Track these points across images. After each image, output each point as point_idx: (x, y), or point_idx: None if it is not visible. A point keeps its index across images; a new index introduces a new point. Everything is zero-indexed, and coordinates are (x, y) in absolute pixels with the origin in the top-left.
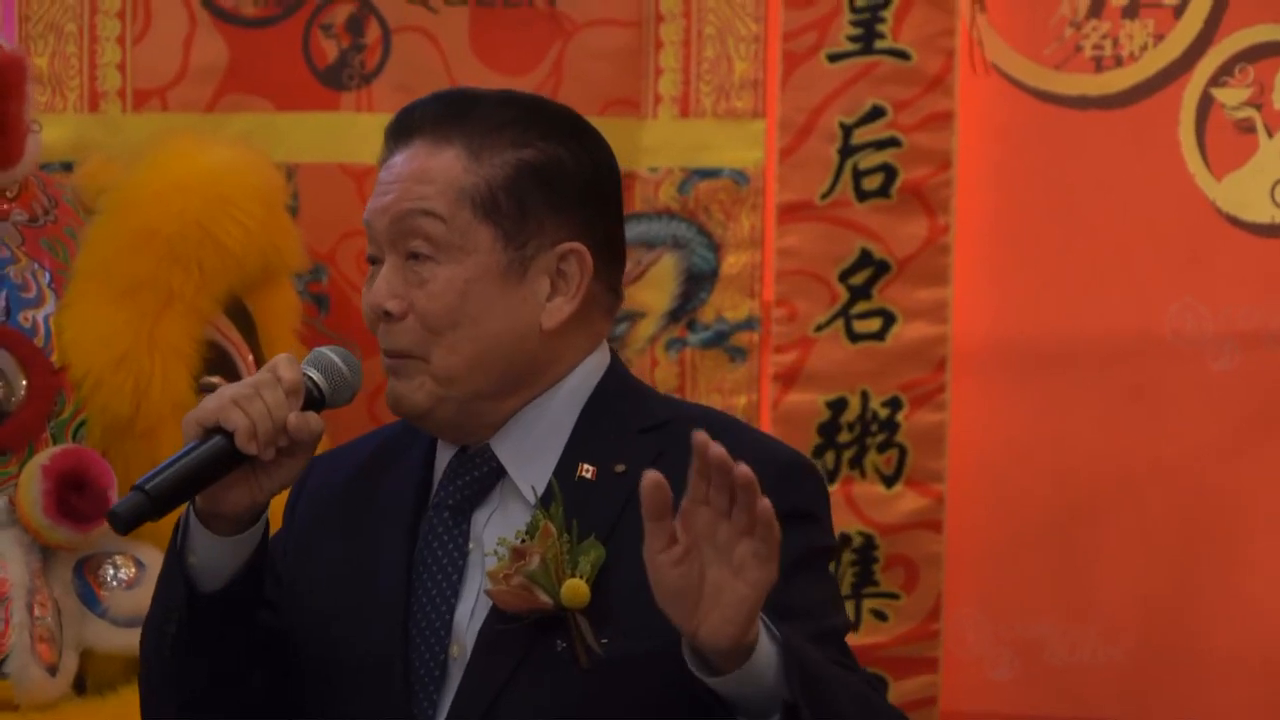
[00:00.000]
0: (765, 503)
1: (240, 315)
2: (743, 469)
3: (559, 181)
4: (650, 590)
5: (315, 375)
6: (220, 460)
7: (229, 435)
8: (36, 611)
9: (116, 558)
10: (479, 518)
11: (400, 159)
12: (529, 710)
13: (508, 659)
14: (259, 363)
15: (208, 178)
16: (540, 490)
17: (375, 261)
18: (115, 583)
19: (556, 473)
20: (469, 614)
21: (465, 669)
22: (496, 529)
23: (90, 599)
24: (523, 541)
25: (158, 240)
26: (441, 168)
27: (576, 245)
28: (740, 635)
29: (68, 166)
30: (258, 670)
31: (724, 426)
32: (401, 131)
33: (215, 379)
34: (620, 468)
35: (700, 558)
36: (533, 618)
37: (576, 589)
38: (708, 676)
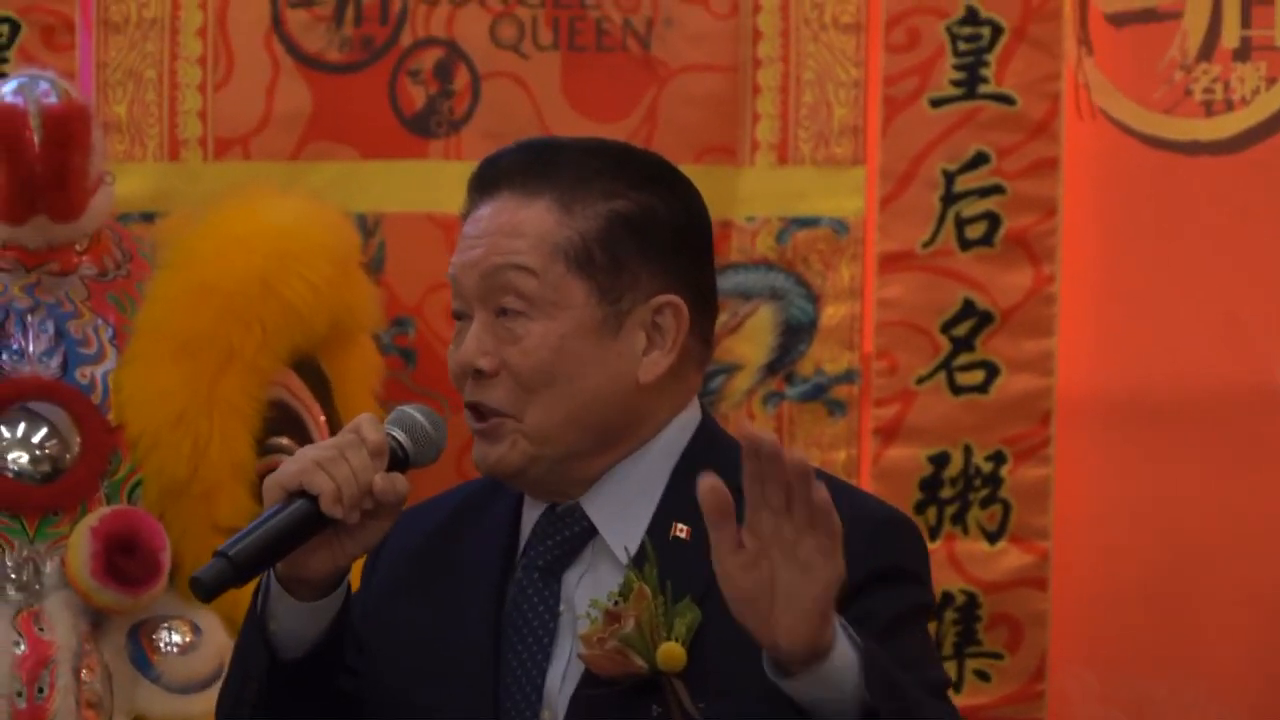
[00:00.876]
0: (822, 490)
1: (314, 374)
2: (793, 454)
3: (651, 232)
4: (748, 651)
5: (399, 435)
6: (304, 524)
7: (313, 499)
8: (84, 676)
9: (173, 622)
10: (570, 578)
11: (487, 211)
12: None
13: None
14: (332, 423)
15: (272, 233)
16: (633, 550)
17: (462, 317)
18: (170, 647)
19: (649, 532)
20: (560, 679)
21: None
22: (588, 590)
23: (143, 663)
24: (615, 604)
25: (218, 297)
26: (533, 221)
27: (672, 298)
28: (815, 635)
29: (149, 217)
30: None
31: (821, 483)
32: (486, 183)
33: (284, 439)
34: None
35: (769, 562)
36: (627, 682)
37: (672, 652)
38: (785, 679)
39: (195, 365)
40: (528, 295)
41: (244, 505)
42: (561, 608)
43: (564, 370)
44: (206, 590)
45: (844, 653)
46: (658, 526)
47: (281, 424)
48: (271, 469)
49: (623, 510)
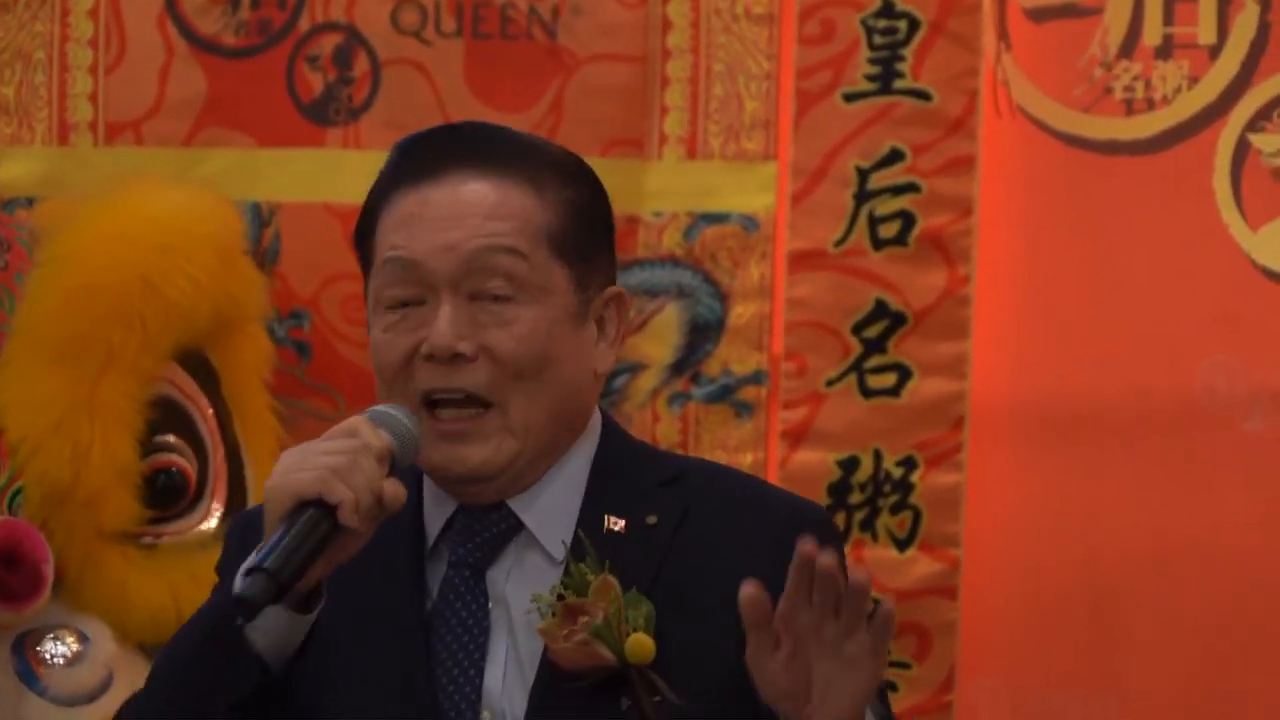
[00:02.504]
0: (886, 604)
1: (200, 367)
2: (858, 578)
3: (599, 223)
4: (700, 645)
5: (391, 436)
6: (325, 535)
7: (329, 508)
8: None
9: (59, 631)
10: (495, 576)
11: (444, 194)
12: None
13: None
14: (220, 416)
15: (153, 227)
16: (563, 545)
17: (408, 304)
18: (57, 659)
19: (581, 526)
20: (500, 677)
21: None
22: (519, 587)
23: (29, 677)
24: (561, 598)
25: (97, 296)
26: (513, 203)
27: (619, 289)
28: (856, 714)
29: (35, 203)
30: None
31: (737, 481)
32: (431, 164)
33: (170, 437)
34: (652, 519)
35: (806, 654)
36: (594, 676)
37: (641, 643)
38: None
39: (75, 369)
40: (517, 279)
41: (128, 509)
42: (492, 605)
43: (553, 357)
44: (252, 609)
45: None
46: (588, 521)
47: (168, 421)
48: (159, 469)
49: (550, 507)
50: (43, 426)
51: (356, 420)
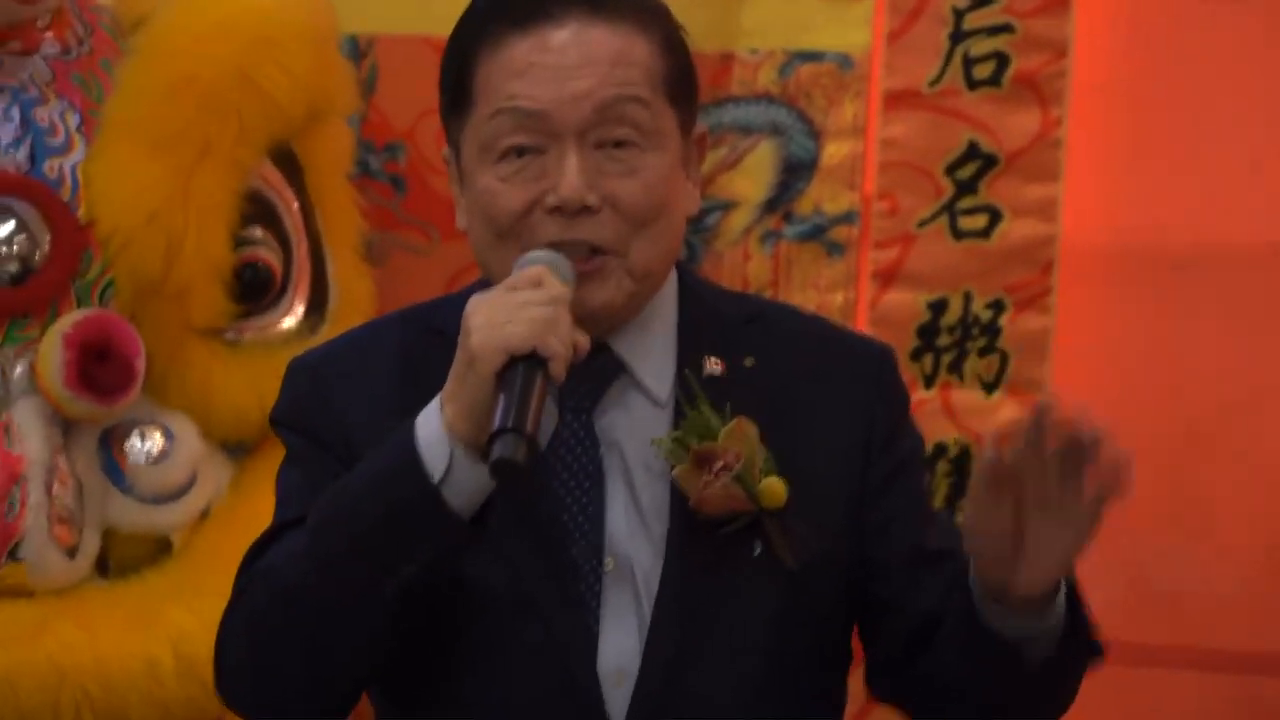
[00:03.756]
0: (1125, 455)
1: (286, 160)
2: (1093, 431)
3: (690, 68)
4: (813, 485)
5: (559, 273)
6: (543, 389)
7: (543, 362)
8: (55, 490)
9: (145, 428)
10: (603, 421)
11: (567, 38)
12: (735, 623)
13: (707, 569)
14: (304, 208)
15: (250, 17)
16: (668, 388)
17: (525, 152)
18: (143, 456)
19: (682, 366)
20: (623, 524)
21: (660, 583)
22: (626, 431)
23: (115, 474)
24: (691, 444)
25: (194, 88)
26: (638, 51)
27: (704, 128)
28: (1053, 586)
29: None
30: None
31: (808, 321)
32: (544, 7)
33: (258, 230)
34: (750, 361)
35: (1037, 512)
36: (732, 523)
37: (774, 488)
38: (1007, 619)
39: (170, 160)
40: (643, 127)
41: (218, 304)
42: (603, 450)
43: (669, 203)
44: (514, 473)
45: (1059, 600)
46: (687, 362)
47: (256, 215)
48: (246, 263)
49: (649, 348)
50: (136, 218)
51: (538, 269)
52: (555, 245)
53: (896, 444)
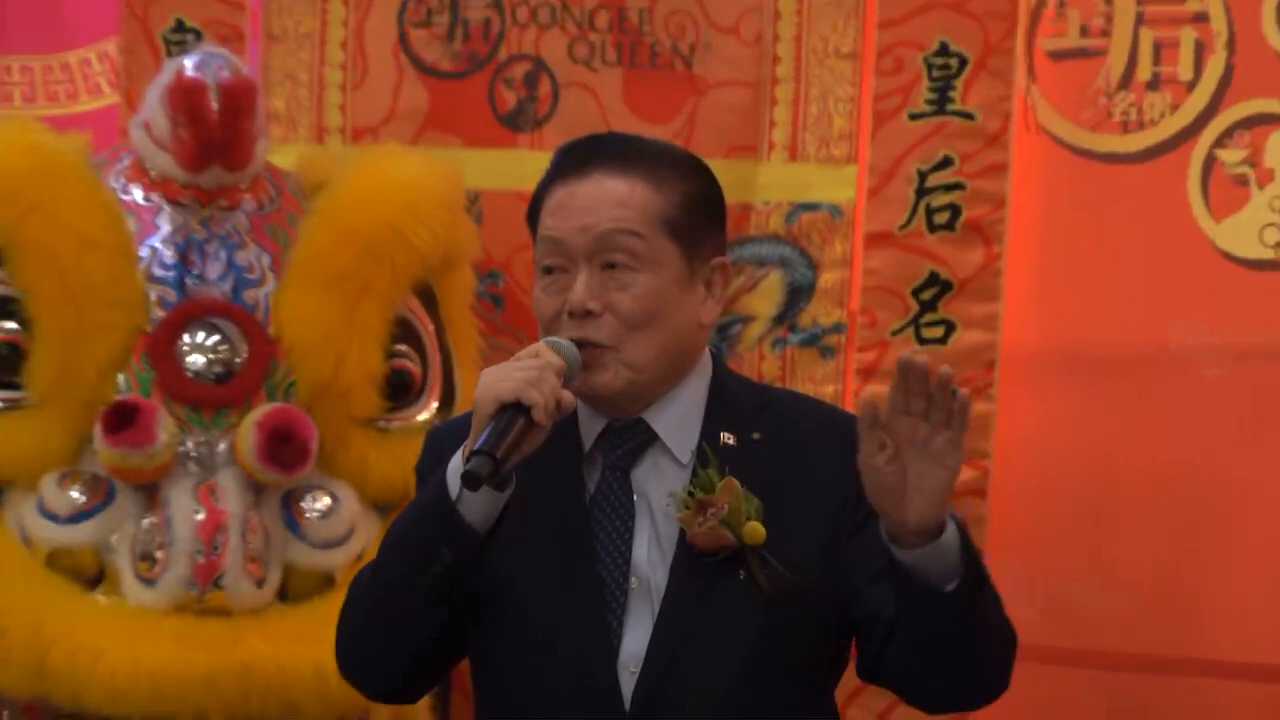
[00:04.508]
0: (963, 392)
1: (426, 295)
2: (944, 369)
3: (711, 207)
4: (796, 530)
5: (564, 357)
6: (522, 429)
7: (526, 409)
8: (248, 537)
9: (316, 492)
10: (637, 475)
11: (586, 187)
12: (722, 630)
13: (700, 588)
14: (439, 333)
15: (401, 186)
16: (692, 453)
17: (554, 271)
18: (315, 513)
19: (704, 438)
20: (646, 552)
21: (662, 601)
22: (655, 485)
23: (293, 525)
24: (692, 494)
25: (358, 240)
26: (636, 195)
27: (724, 259)
28: (940, 513)
29: None
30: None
31: (810, 405)
32: (579, 164)
33: (403, 347)
34: (757, 435)
35: (904, 457)
36: (720, 554)
37: (756, 529)
38: (908, 550)
39: (339, 294)
40: (636, 254)
41: (373, 401)
42: (635, 498)
43: (661, 312)
44: (477, 481)
45: (951, 531)
46: (708, 435)
47: (403, 335)
48: (395, 370)
49: (678, 423)
50: (312, 337)
51: (539, 345)
52: (572, 340)
53: (866, 496)
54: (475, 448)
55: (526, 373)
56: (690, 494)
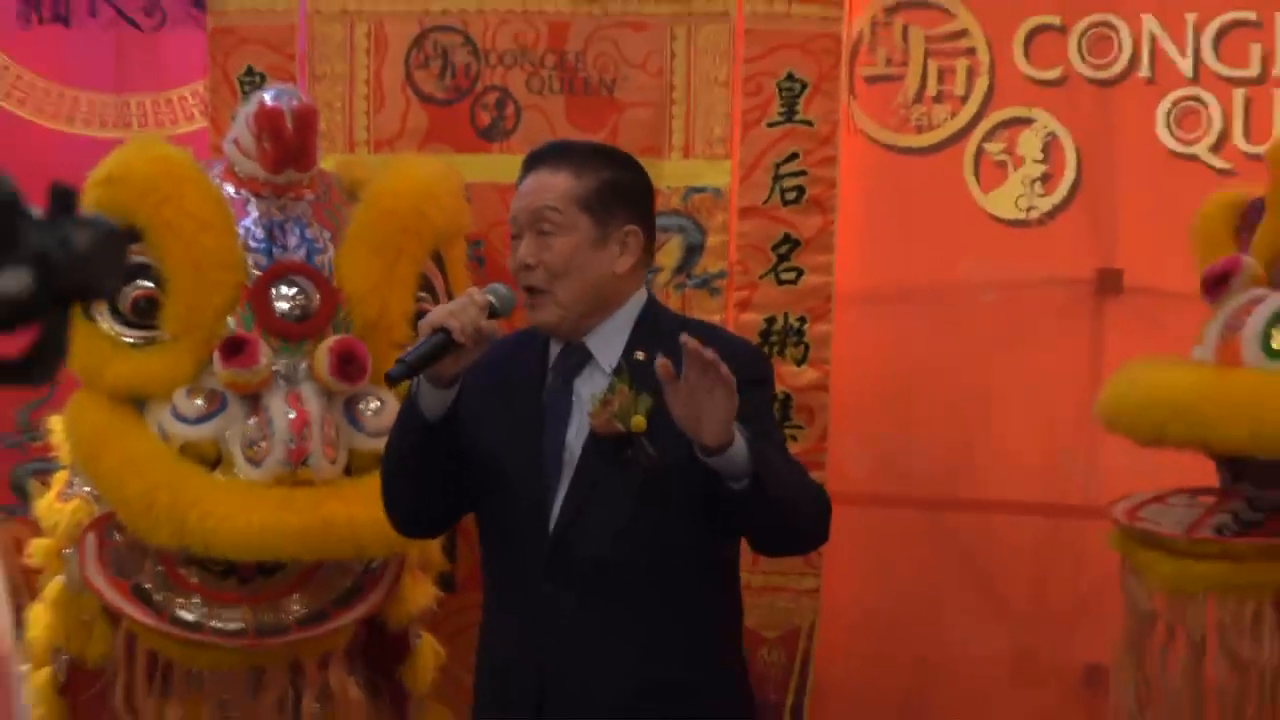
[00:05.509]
0: (725, 370)
1: (437, 258)
2: (710, 355)
3: (625, 190)
4: (675, 425)
5: (493, 298)
6: (443, 347)
7: (448, 332)
8: (325, 430)
9: (369, 397)
10: (578, 384)
11: (531, 179)
12: (615, 489)
13: (602, 461)
14: (447, 287)
15: (422, 182)
16: (613, 365)
17: (517, 237)
18: (368, 411)
19: (623, 355)
20: (576, 436)
21: (576, 466)
22: (588, 389)
23: (354, 421)
24: (606, 397)
25: (394, 219)
26: (558, 183)
27: (633, 228)
28: (725, 434)
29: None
30: (451, 465)
31: (710, 329)
32: (531, 163)
33: (424, 294)
34: (659, 354)
35: (698, 399)
36: (614, 438)
37: (639, 422)
38: (708, 458)
39: (382, 258)
40: (556, 223)
41: (405, 333)
42: (574, 399)
43: (576, 264)
44: (394, 380)
45: (740, 444)
46: (627, 353)
47: (424, 286)
48: (422, 313)
49: (607, 344)
50: (364, 288)
51: (471, 290)
52: (523, 286)
53: (743, 396)
54: (399, 358)
55: (453, 307)
56: (601, 396)
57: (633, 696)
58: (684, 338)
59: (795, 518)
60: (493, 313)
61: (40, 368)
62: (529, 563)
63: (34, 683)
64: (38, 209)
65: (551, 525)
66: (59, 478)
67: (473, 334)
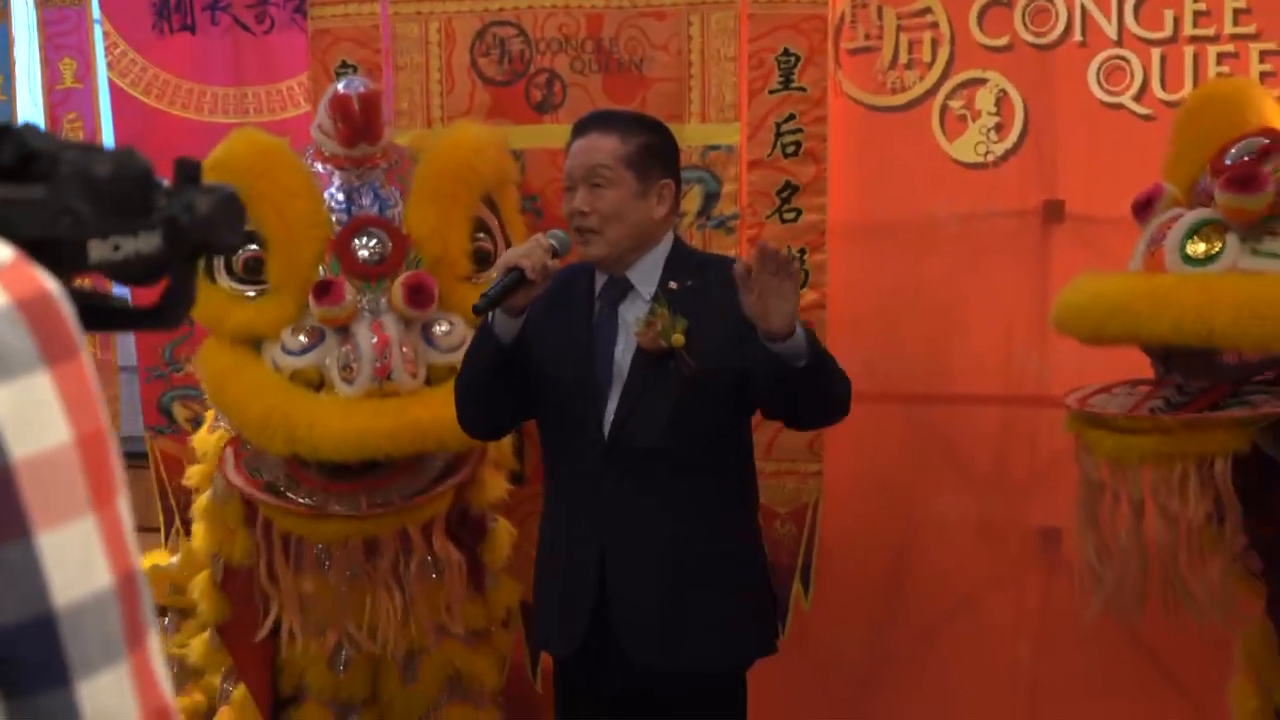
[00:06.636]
0: (795, 266)
1: (490, 203)
2: (784, 255)
3: (660, 151)
4: (712, 337)
5: (554, 242)
6: (518, 282)
7: (521, 271)
8: (404, 350)
9: (440, 321)
10: (622, 309)
11: (583, 140)
12: (660, 392)
13: (649, 373)
14: (500, 225)
15: (469, 141)
16: (651, 294)
17: (570, 189)
18: (440, 332)
19: (660, 285)
20: (623, 352)
21: (626, 376)
22: (631, 313)
23: (429, 341)
24: (649, 318)
25: (449, 174)
26: (608, 145)
27: (667, 181)
28: (790, 324)
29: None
30: (518, 380)
31: (728, 260)
32: (581, 128)
33: (480, 235)
34: (690, 283)
35: (766, 296)
36: (658, 352)
37: (678, 338)
38: (774, 344)
39: (440, 205)
40: (607, 178)
41: (466, 266)
42: (619, 322)
43: (622, 210)
44: (479, 312)
45: (800, 331)
46: (663, 283)
47: (480, 228)
48: (480, 250)
49: (646, 276)
50: (427, 230)
51: (537, 236)
52: (577, 229)
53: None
54: (483, 293)
55: (524, 249)
56: (645, 319)
57: (676, 562)
58: (761, 243)
59: (836, 391)
60: (554, 254)
61: (172, 313)
62: (589, 455)
63: (198, 582)
64: (166, 181)
65: (608, 424)
66: (209, 415)
67: (541, 271)
